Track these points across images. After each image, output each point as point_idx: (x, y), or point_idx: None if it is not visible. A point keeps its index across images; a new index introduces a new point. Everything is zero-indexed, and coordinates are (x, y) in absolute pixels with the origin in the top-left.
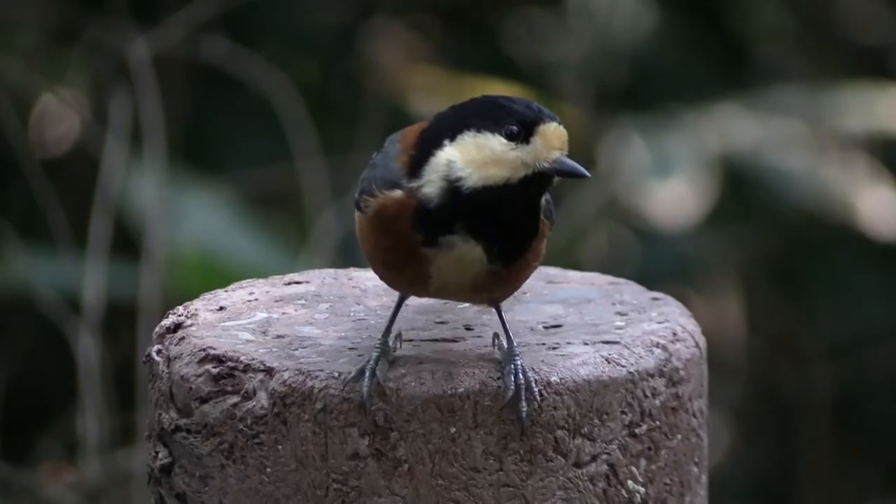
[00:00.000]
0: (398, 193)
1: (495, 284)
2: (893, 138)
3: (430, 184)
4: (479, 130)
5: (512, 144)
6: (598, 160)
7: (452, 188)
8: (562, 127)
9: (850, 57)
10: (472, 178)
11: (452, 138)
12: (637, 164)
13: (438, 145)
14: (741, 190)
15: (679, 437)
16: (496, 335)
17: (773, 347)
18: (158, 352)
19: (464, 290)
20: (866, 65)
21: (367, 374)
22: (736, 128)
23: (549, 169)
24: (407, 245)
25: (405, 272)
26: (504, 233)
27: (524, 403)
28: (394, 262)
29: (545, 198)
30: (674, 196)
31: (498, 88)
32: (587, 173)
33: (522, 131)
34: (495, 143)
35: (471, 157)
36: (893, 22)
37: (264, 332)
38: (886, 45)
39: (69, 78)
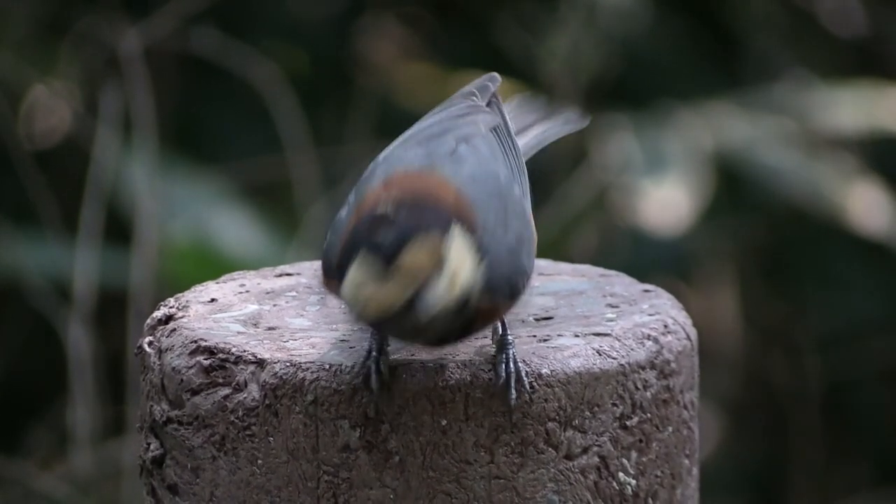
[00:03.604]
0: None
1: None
2: (883, 135)
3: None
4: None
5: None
6: (589, 155)
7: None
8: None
9: (841, 52)
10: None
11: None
12: (629, 160)
13: (345, 270)
14: (733, 186)
15: (670, 429)
16: (494, 328)
17: (764, 340)
18: (150, 343)
19: None
20: (858, 60)
21: (374, 368)
22: (728, 125)
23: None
24: None
25: None
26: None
27: (513, 392)
28: None
29: (498, 273)
30: (666, 192)
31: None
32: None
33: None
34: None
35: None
36: (884, 15)
37: (255, 324)
38: (877, 38)
39: (60, 69)
